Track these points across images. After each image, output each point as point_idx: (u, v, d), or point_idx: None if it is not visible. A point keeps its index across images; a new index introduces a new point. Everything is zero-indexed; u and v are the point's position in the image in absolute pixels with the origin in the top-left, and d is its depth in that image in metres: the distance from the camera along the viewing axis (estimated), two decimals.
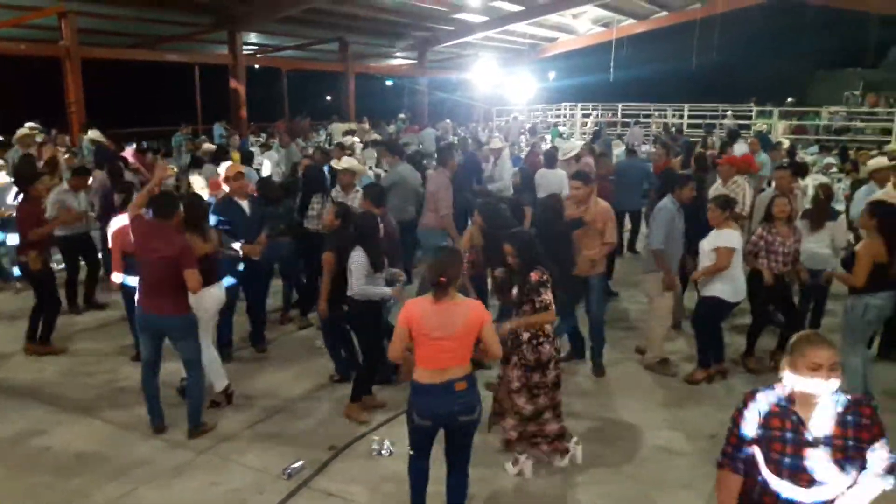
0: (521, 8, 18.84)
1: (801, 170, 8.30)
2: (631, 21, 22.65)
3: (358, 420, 5.09)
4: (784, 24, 37.61)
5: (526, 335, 4.39)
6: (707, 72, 36.38)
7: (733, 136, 14.02)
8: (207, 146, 11.86)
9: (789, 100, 24.49)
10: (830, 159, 13.87)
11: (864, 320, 5.01)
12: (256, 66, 22.11)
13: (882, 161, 8.46)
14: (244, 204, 6.17)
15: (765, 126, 19.01)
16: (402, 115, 18.69)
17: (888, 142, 16.88)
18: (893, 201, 5.74)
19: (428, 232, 7.31)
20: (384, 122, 18.49)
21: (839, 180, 11.37)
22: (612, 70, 27.20)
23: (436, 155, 9.26)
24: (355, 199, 6.67)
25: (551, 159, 9.01)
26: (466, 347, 3.55)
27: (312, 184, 7.18)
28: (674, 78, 33.89)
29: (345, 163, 7.41)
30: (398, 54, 22.84)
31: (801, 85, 34.07)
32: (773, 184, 7.39)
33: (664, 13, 22.03)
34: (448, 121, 18.60)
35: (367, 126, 16.70)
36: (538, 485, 4.36)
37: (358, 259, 4.95)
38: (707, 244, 5.53)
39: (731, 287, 5.52)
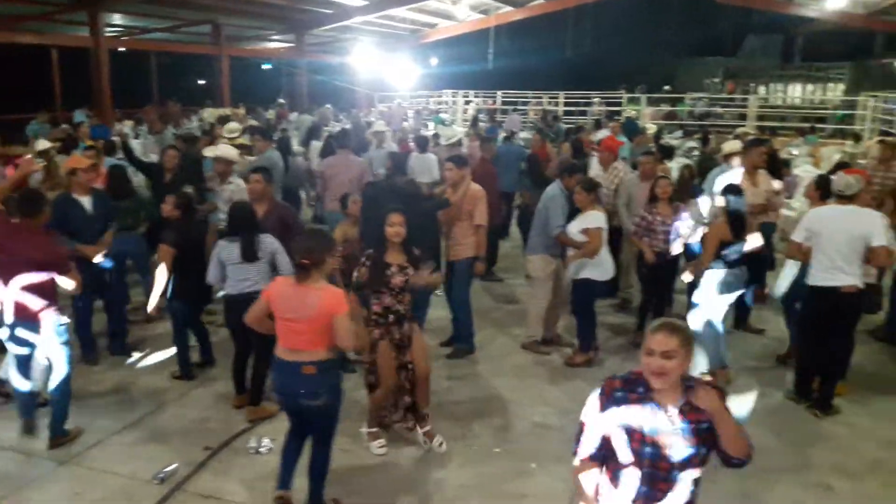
0: None
1: (668, 153, 8.79)
2: (509, 8, 23.02)
3: (263, 417, 4.95)
4: (653, 13, 39.60)
5: (404, 307, 4.50)
6: (582, 60, 37.85)
7: (598, 123, 14.68)
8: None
9: (666, 87, 25.82)
10: (692, 143, 14.77)
11: (726, 289, 5.37)
12: (122, 48, 20.84)
13: (735, 144, 9.11)
14: (85, 200, 5.69)
15: (633, 112, 19.89)
16: (280, 100, 18.18)
17: (743, 125, 18.13)
18: (741, 182, 6.23)
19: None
20: (261, 107, 17.96)
21: (699, 163, 12.11)
22: (491, 58, 27.72)
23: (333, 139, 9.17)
24: (233, 191, 6.45)
25: (423, 144, 9.28)
26: (318, 333, 3.55)
27: (184, 173, 6.88)
28: (551, 66, 34.97)
29: (218, 150, 7.13)
30: (275, 37, 22.18)
31: (670, 72, 35.99)
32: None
33: (540, 0, 22.55)
34: (328, 106, 18.29)
35: (242, 111, 16.16)
36: (415, 468, 4.42)
37: (225, 252, 4.84)
38: (575, 227, 5.75)
39: (599, 268, 5.76)
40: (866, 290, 4.96)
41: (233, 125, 9.90)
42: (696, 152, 13.48)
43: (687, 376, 2.41)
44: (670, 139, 16.14)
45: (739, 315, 6.65)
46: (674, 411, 2.37)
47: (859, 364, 5.68)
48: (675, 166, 8.65)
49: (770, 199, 6.56)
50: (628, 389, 2.44)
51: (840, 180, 4.86)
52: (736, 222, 5.26)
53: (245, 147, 8.34)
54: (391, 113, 19.28)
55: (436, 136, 12.92)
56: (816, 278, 4.86)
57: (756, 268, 5.86)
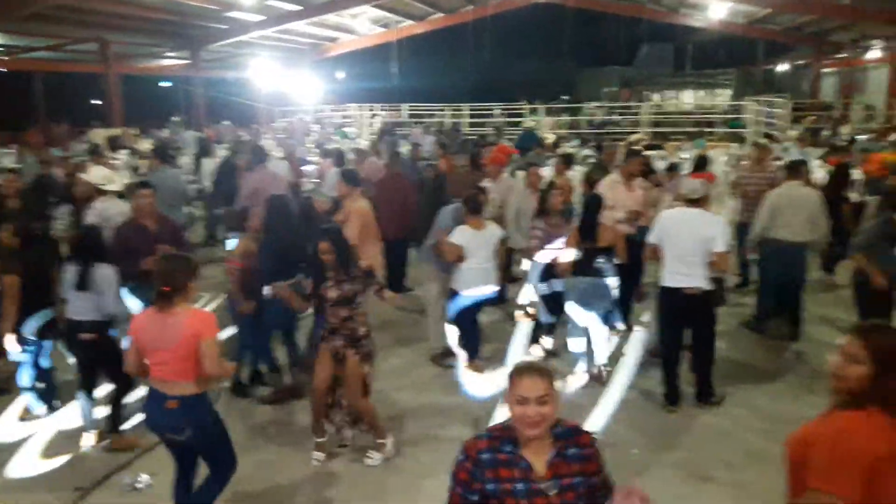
0: (299, 7, 18.56)
1: (569, 161, 8.97)
2: (409, 22, 23.18)
3: (131, 447, 4.73)
4: (550, 25, 40.69)
5: (363, 329, 4.48)
6: (485, 72, 38.50)
7: (500, 132, 14.96)
8: None
9: (564, 97, 26.54)
10: (588, 151, 15.25)
11: (580, 299, 5.56)
12: (2, 69, 19.74)
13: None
14: None
15: (533, 123, 20.34)
16: (175, 118, 17.60)
17: (637, 132, 18.84)
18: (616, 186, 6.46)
19: None
20: (153, 129, 17.36)
21: (593, 169, 12.49)
22: (396, 71, 27.79)
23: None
24: (101, 211, 6.21)
25: (339, 158, 9.39)
26: (183, 361, 3.40)
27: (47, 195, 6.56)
28: (456, 79, 35.42)
29: (91, 175, 6.83)
30: (169, 54, 21.50)
31: (569, 82, 37.05)
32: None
33: (439, 14, 22.80)
34: (227, 122, 17.87)
35: (135, 132, 15.58)
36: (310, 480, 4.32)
37: (67, 275, 4.63)
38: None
39: (461, 280, 5.71)
40: (715, 286, 5.14)
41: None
42: (592, 160, 13.91)
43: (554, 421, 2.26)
44: (568, 148, 16.60)
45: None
46: (544, 468, 2.20)
47: (733, 356, 5.95)
48: (575, 175, 8.89)
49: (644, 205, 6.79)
50: (495, 449, 2.23)
51: (686, 185, 5.04)
52: (586, 229, 5.41)
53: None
54: (293, 128, 19.02)
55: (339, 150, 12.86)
56: (665, 279, 5.03)
57: (631, 269, 6.03)
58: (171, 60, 21.86)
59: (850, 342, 2.22)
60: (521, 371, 2.25)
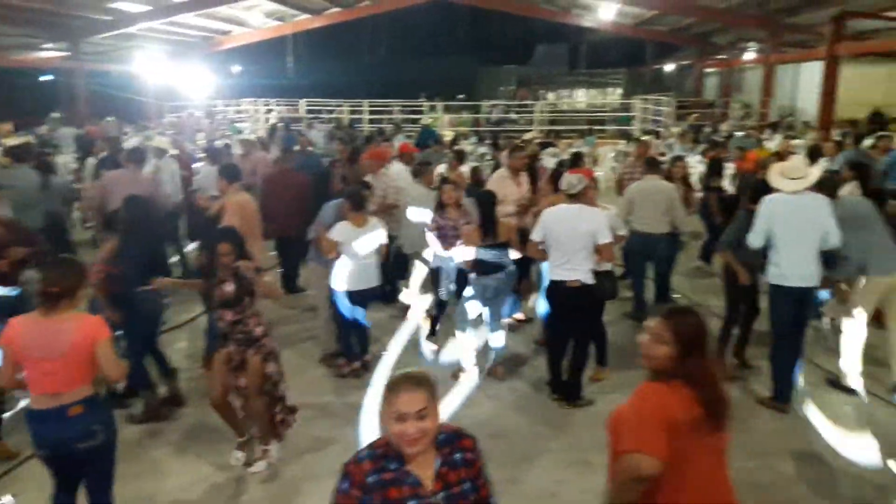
0: None
1: (462, 157, 9.15)
2: (305, 16, 22.79)
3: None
4: (448, 24, 41.07)
5: (259, 329, 4.38)
6: (386, 69, 38.41)
7: (398, 128, 15.03)
8: None
9: (460, 96, 26.78)
10: (484, 149, 15.52)
11: (483, 297, 5.64)
12: None
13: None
14: None
15: (431, 120, 20.46)
16: (55, 115, 16.58)
17: (531, 130, 19.33)
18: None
19: None
20: (32, 125, 16.30)
21: (493, 167, 12.74)
22: (294, 66, 27.28)
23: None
24: None
25: (215, 155, 9.04)
26: (77, 368, 3.23)
27: None
28: (356, 75, 35.09)
29: None
30: (47, 45, 20.21)
31: (468, 81, 37.47)
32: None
33: (336, 9, 22.53)
34: (112, 118, 17.00)
35: (8, 128, 14.58)
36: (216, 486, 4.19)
37: None
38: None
39: (339, 277, 5.67)
40: (603, 280, 5.35)
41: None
42: (488, 157, 14.17)
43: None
44: (466, 145, 16.82)
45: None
46: (432, 480, 2.10)
47: (618, 343, 6.20)
48: (466, 169, 9.02)
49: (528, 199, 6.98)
50: (380, 469, 2.09)
51: (563, 180, 5.20)
52: (486, 224, 5.52)
53: None
54: (182, 123, 18.34)
55: (228, 146, 12.49)
56: (550, 273, 5.18)
57: (520, 263, 6.19)
58: (49, 53, 20.56)
59: (656, 324, 2.43)
60: (396, 385, 2.09)
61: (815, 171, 5.24)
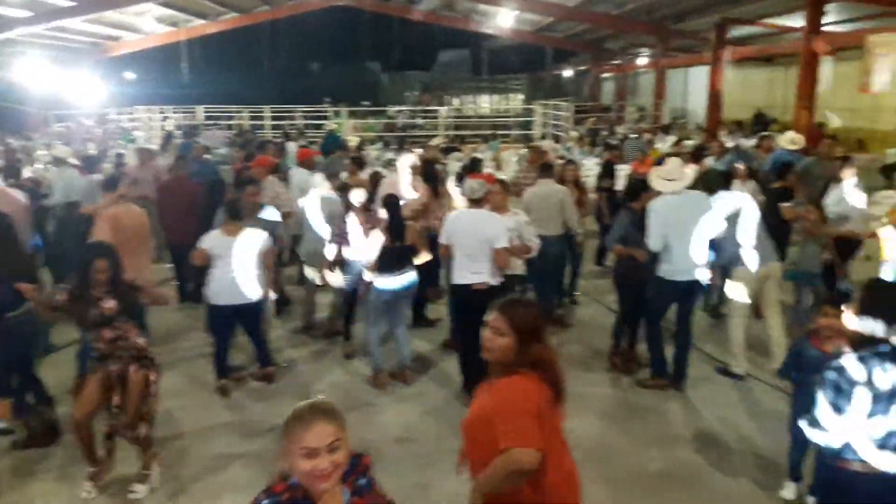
0: (72, 3, 16.99)
1: (360, 163, 9.04)
2: (200, 21, 22.10)
3: None
4: (352, 30, 40.90)
5: (142, 341, 4.23)
6: (290, 76, 37.84)
7: (287, 136, 14.97)
8: None
9: (365, 102, 26.69)
10: (391, 154, 15.48)
11: (379, 300, 5.62)
12: None
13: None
14: None
15: (335, 126, 20.25)
16: None
17: (436, 135, 19.46)
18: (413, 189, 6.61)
19: None
20: None
21: (394, 171, 12.73)
22: (189, 72, 26.39)
23: None
24: None
25: (90, 164, 8.70)
26: None
27: None
28: (259, 82, 34.42)
29: None
30: None
31: (374, 86, 37.42)
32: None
33: (233, 14, 21.98)
34: None
35: None
36: None
37: None
38: None
39: (211, 288, 5.47)
40: (510, 282, 5.46)
41: None
42: (394, 162, 14.15)
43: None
44: (372, 150, 16.78)
45: (415, 311, 6.94)
46: None
47: None
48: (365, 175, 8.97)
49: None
50: None
51: (465, 185, 5.29)
52: (394, 229, 5.54)
53: None
54: (70, 133, 17.43)
55: (120, 155, 11.97)
56: (455, 276, 5.25)
57: (430, 267, 6.23)
58: None
59: (495, 317, 2.53)
60: (303, 417, 1.88)
61: (690, 172, 5.53)
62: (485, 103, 34.04)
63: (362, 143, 17.02)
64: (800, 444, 3.94)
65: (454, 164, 13.28)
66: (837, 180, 7.14)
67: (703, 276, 5.44)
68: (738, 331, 5.77)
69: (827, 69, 16.19)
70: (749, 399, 5.50)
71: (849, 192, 6.85)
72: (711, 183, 5.85)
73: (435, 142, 17.10)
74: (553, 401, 2.49)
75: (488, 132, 20.48)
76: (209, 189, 8.15)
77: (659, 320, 5.56)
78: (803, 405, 3.79)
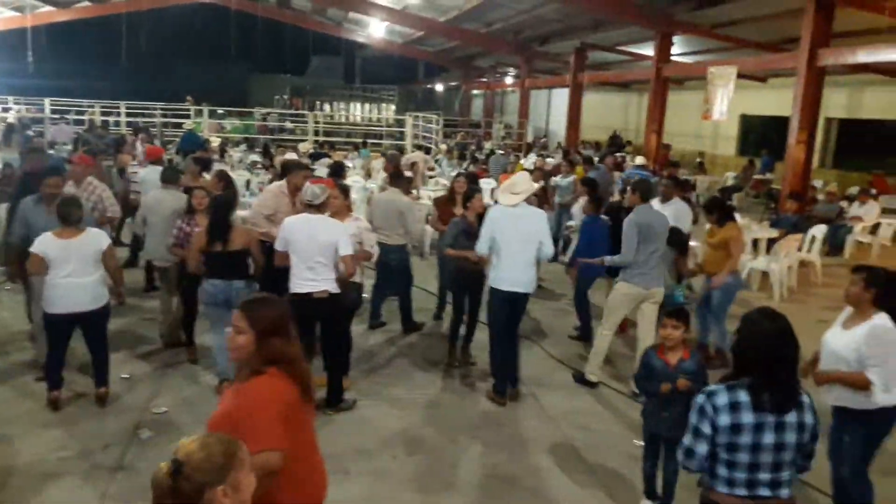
0: None
1: (205, 164, 8.63)
2: (49, 8, 20.56)
3: None
4: (224, 30, 39.44)
5: None
6: (152, 72, 35.91)
7: (136, 133, 14.37)
8: None
9: (225, 109, 25.71)
10: (255, 157, 15.07)
11: (211, 306, 5.40)
12: None
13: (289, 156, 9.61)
14: None
15: (194, 125, 19.39)
16: None
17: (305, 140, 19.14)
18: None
19: None
20: None
21: (258, 174, 12.41)
22: (34, 61, 24.38)
23: None
24: None
25: None
26: None
27: None
28: (117, 76, 32.35)
29: None
30: None
31: (243, 88, 36.30)
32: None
33: (87, 3, 20.61)
34: None
35: None
36: None
37: None
38: None
39: (46, 296, 5.03)
40: (349, 289, 5.39)
41: None
42: (259, 165, 13.77)
43: None
44: (236, 152, 16.24)
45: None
46: None
47: (377, 353, 6.29)
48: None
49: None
50: None
51: (306, 191, 5.15)
52: (216, 231, 5.34)
53: None
54: None
55: None
56: (293, 285, 5.01)
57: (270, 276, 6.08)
58: None
59: (236, 316, 2.54)
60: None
61: (529, 188, 5.58)
62: (357, 111, 33.90)
63: (225, 144, 16.45)
64: (651, 454, 4.04)
65: (323, 170, 13.10)
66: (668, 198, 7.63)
67: (531, 290, 5.54)
68: (603, 342, 5.94)
69: (674, 96, 17.49)
70: (605, 408, 5.65)
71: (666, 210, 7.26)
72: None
73: (303, 147, 16.85)
74: (301, 398, 2.49)
75: (359, 140, 20.40)
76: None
77: (501, 334, 5.58)
78: (651, 415, 4.02)
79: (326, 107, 32.71)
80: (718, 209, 6.54)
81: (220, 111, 23.48)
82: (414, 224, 6.85)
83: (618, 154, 17.43)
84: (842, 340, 3.67)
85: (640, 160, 12.39)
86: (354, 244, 5.26)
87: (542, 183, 8.07)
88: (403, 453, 4.77)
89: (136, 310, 7.25)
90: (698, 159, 20.05)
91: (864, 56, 10.84)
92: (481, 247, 5.44)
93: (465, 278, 6.09)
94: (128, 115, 21.20)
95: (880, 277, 3.61)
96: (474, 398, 5.71)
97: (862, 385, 3.55)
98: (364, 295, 6.61)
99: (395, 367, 6.25)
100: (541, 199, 8.92)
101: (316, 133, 21.36)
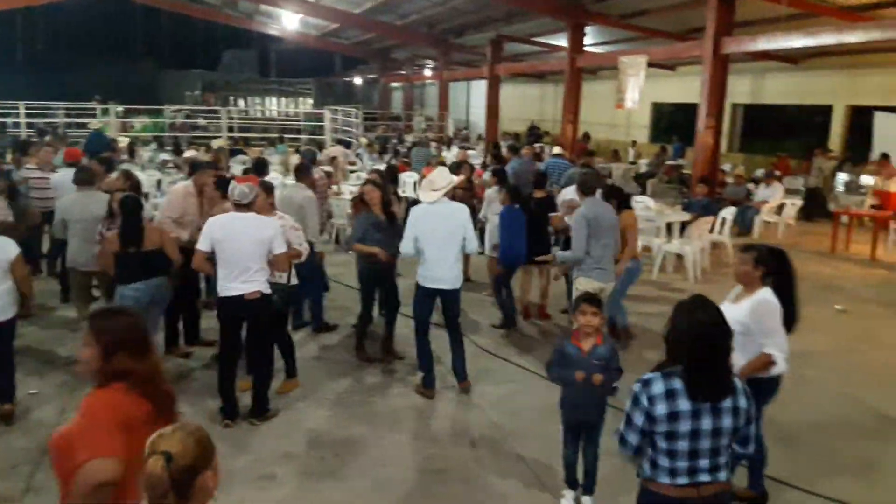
0: None
1: (109, 165, 8.26)
2: None
3: None
4: (130, 25, 37.88)
5: None
6: (52, 69, 34.03)
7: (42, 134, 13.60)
8: None
9: (126, 108, 24.67)
10: (165, 155, 14.53)
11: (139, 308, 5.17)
12: None
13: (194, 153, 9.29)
14: None
15: (101, 124, 18.51)
16: None
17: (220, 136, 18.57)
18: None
19: None
20: None
21: (170, 173, 11.98)
22: None
23: None
24: None
25: None
26: None
27: None
28: (11, 73, 30.51)
29: None
30: None
31: (152, 85, 34.94)
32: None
33: None
34: None
35: None
36: None
37: None
38: None
39: None
40: (282, 289, 5.28)
41: None
42: (170, 164, 13.29)
43: None
44: (146, 152, 15.64)
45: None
46: None
47: (303, 355, 6.18)
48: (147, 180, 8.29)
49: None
50: None
51: (234, 189, 4.99)
52: (128, 232, 5.15)
53: None
54: None
55: None
56: (222, 287, 4.86)
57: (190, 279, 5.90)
58: None
59: (85, 329, 2.47)
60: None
61: (449, 183, 5.54)
62: (273, 106, 33.21)
63: (133, 143, 15.78)
64: (571, 441, 4.03)
65: (238, 166, 12.76)
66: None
67: (458, 286, 5.53)
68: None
69: (589, 87, 17.87)
70: (532, 394, 5.66)
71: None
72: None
73: (217, 144, 16.34)
74: (152, 415, 2.34)
75: (276, 136, 19.94)
76: None
77: (423, 328, 5.56)
78: (568, 403, 3.97)
79: (241, 102, 31.89)
80: (615, 197, 6.55)
81: (126, 110, 22.51)
82: (313, 218, 6.62)
83: (536, 144, 17.69)
84: (730, 314, 3.80)
85: (557, 150, 12.58)
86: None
87: (462, 177, 8.07)
88: (332, 454, 4.69)
89: (46, 321, 6.90)
90: (630, 148, 20.44)
91: (765, 44, 11.34)
92: (406, 246, 5.40)
93: (373, 274, 6.05)
94: (28, 115, 20.03)
95: (766, 255, 3.78)
96: (403, 394, 5.67)
97: (766, 364, 3.69)
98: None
99: (322, 368, 6.14)
100: (468, 190, 8.96)
101: (230, 129, 20.76)
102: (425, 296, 5.47)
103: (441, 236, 5.33)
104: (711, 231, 9.96)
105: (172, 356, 6.09)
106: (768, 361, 3.69)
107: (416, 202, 10.02)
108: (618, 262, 6.20)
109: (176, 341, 6.24)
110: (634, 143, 21.19)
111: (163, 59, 39.32)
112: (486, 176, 10.39)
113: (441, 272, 5.36)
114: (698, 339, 2.58)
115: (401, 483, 4.36)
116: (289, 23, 21.90)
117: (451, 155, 14.93)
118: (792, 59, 15.93)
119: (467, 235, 5.41)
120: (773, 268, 3.76)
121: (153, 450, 1.86)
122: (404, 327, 6.37)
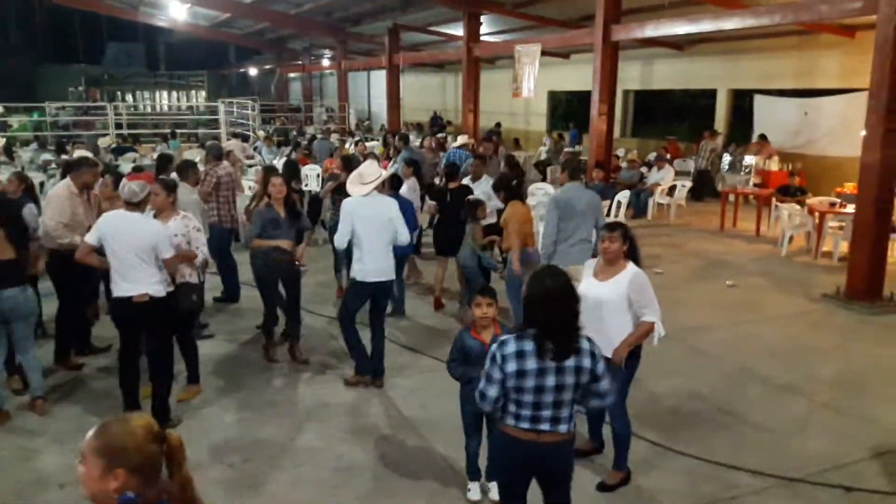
0: None
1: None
2: None
3: None
4: (1, 15, 35.21)
5: None
6: None
7: None
8: None
9: (13, 105, 23.11)
10: (48, 156, 13.67)
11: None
12: None
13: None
14: None
15: None
16: None
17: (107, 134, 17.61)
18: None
19: None
20: None
21: (52, 175, 11.26)
22: None
23: None
24: None
25: None
26: None
27: None
28: None
29: None
30: None
31: (29, 81, 32.69)
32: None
33: None
34: None
35: None
36: None
37: None
38: None
39: None
40: (186, 292, 5.11)
41: None
42: (53, 165, 12.52)
43: None
44: (25, 152, 14.70)
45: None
46: None
47: (208, 359, 5.97)
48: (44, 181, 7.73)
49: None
50: None
51: (123, 188, 4.77)
52: (15, 236, 4.82)
53: None
54: None
55: None
56: (116, 288, 4.68)
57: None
58: None
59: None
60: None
61: (378, 176, 5.51)
62: (164, 100, 31.83)
63: (11, 143, 14.77)
64: (474, 432, 4.02)
65: (127, 164, 12.18)
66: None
67: (393, 276, 5.59)
68: None
69: (488, 76, 18.05)
70: (441, 385, 5.44)
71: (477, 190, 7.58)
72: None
73: (104, 141, 15.53)
74: None
75: (167, 131, 19.13)
76: None
77: (350, 320, 5.51)
78: (471, 397, 3.61)
79: (129, 97, 30.41)
80: (504, 188, 6.65)
81: (8, 107, 21.07)
82: (195, 214, 6.44)
83: (439, 135, 17.75)
84: (603, 289, 3.96)
85: (462, 140, 12.66)
86: (181, 245, 4.95)
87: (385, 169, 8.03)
88: (241, 460, 4.56)
89: None
90: (546, 138, 20.59)
91: (652, 31, 11.79)
92: (341, 240, 5.36)
93: (275, 270, 5.90)
94: None
95: (628, 232, 4.04)
96: (314, 392, 5.58)
97: (648, 332, 3.97)
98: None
99: (227, 372, 5.96)
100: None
101: (119, 126, 19.73)
102: (363, 291, 5.43)
103: (375, 229, 5.32)
104: (608, 215, 10.29)
105: (64, 369, 5.78)
106: (651, 328, 3.95)
107: (317, 196, 9.91)
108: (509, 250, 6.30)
109: (67, 353, 5.89)
110: (550, 132, 21.42)
111: (41, 52, 36.86)
112: (398, 167, 10.37)
113: (379, 264, 5.36)
114: (547, 304, 2.84)
115: (311, 484, 4.28)
116: (177, 13, 20.98)
117: (351, 146, 14.78)
118: (678, 45, 16.63)
119: (398, 227, 5.41)
120: (633, 243, 4.04)
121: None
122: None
